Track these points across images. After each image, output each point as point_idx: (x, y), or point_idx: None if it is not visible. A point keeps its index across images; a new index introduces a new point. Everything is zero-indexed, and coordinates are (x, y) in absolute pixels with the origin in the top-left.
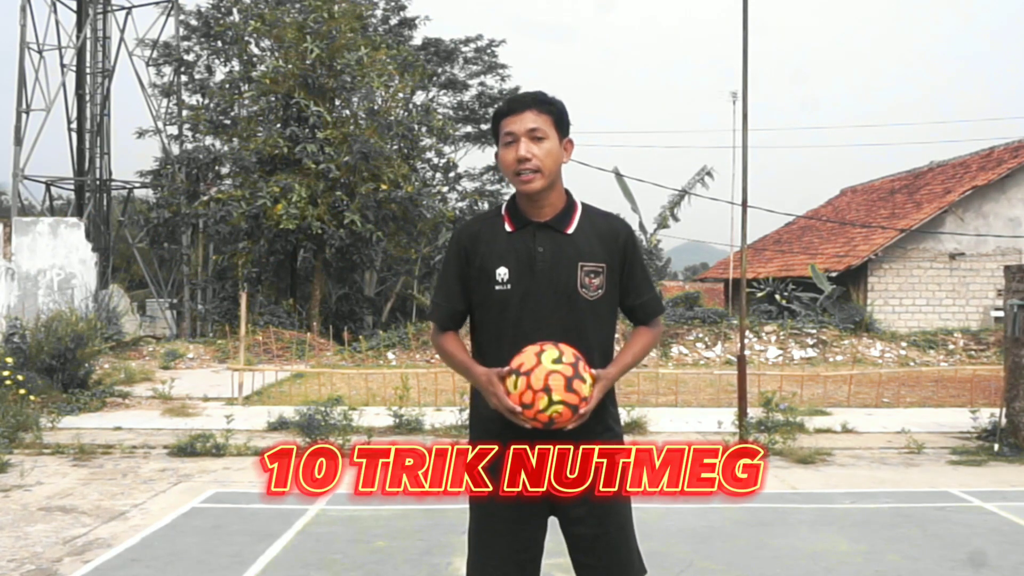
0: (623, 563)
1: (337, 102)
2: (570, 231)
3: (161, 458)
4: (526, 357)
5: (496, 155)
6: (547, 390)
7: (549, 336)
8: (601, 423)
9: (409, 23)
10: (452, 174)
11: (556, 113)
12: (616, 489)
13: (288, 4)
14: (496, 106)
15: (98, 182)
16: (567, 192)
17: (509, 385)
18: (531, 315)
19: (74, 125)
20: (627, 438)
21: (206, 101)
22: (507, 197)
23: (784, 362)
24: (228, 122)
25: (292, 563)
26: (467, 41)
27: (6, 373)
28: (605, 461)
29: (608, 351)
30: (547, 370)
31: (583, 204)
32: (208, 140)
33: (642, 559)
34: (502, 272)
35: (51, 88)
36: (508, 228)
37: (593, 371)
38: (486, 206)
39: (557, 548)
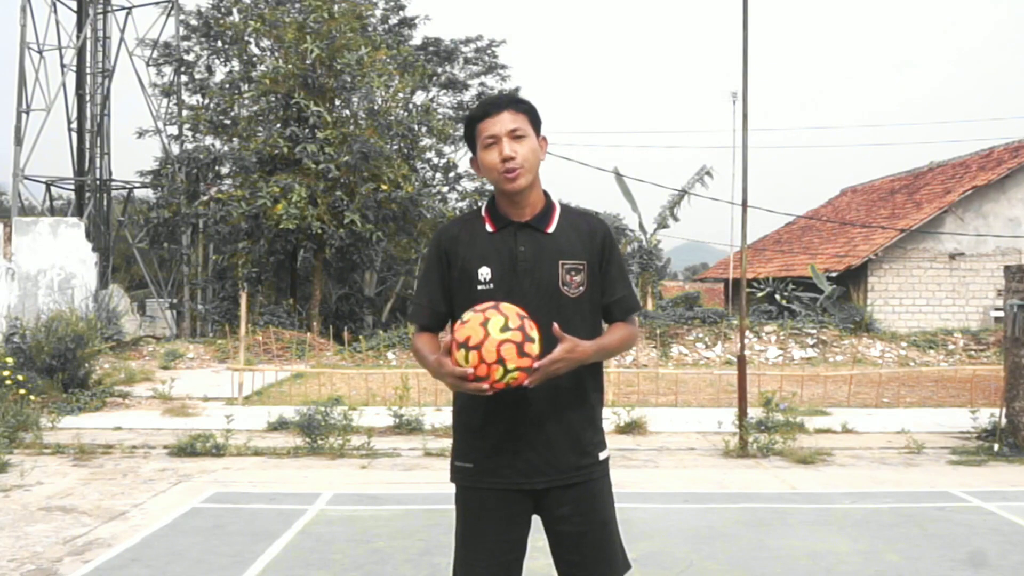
0: (608, 560)
1: (337, 102)
2: (551, 230)
3: (161, 458)
4: (472, 329)
5: (473, 162)
6: (501, 361)
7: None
8: (588, 453)
9: (409, 23)
10: (452, 174)
11: (531, 111)
12: (602, 492)
13: (288, 4)
14: (468, 112)
15: (98, 182)
16: (546, 192)
17: (459, 359)
18: None
19: (74, 125)
20: (627, 438)
21: (206, 101)
22: None
23: (784, 362)
24: (228, 122)
25: (292, 563)
26: (467, 41)
27: (6, 373)
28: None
29: None
30: (497, 341)
31: (561, 203)
32: (208, 140)
33: (626, 555)
34: (484, 272)
35: (51, 88)
36: (489, 228)
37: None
38: None
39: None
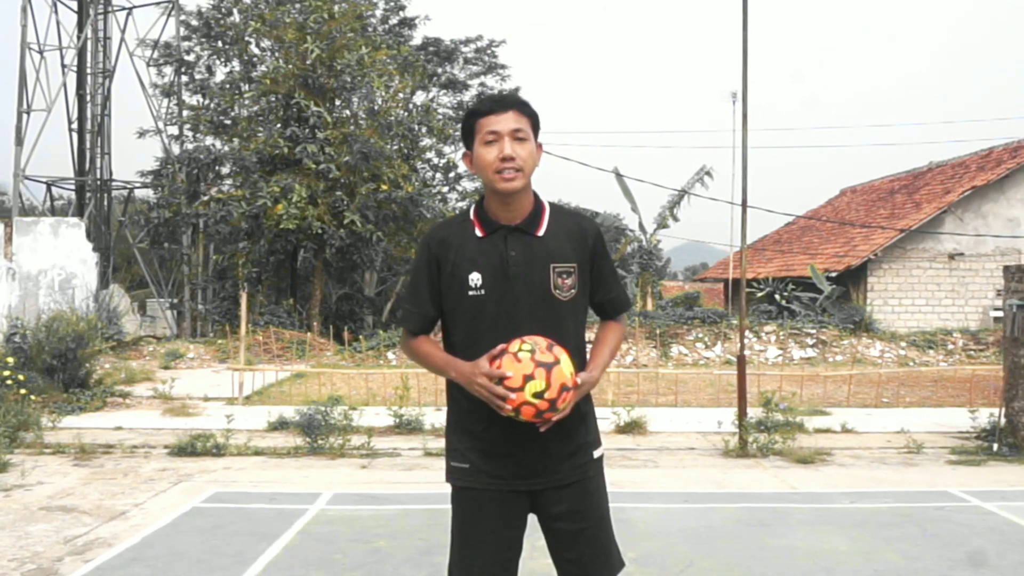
0: (605, 557)
1: (337, 102)
2: (540, 233)
3: (161, 458)
4: (516, 375)
5: (466, 156)
6: (516, 412)
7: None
8: (583, 452)
9: (409, 23)
10: (452, 174)
11: (534, 116)
12: (597, 489)
13: (288, 4)
14: (471, 106)
15: (99, 182)
16: (535, 194)
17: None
18: (507, 319)
19: (75, 125)
20: (627, 438)
21: (206, 101)
22: None
23: (784, 362)
24: (228, 122)
25: (292, 563)
26: (467, 41)
27: (7, 373)
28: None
29: (583, 349)
30: (524, 400)
31: (550, 204)
32: (208, 140)
33: (620, 553)
34: (475, 278)
35: (52, 88)
36: (479, 233)
37: (577, 378)
38: None
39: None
